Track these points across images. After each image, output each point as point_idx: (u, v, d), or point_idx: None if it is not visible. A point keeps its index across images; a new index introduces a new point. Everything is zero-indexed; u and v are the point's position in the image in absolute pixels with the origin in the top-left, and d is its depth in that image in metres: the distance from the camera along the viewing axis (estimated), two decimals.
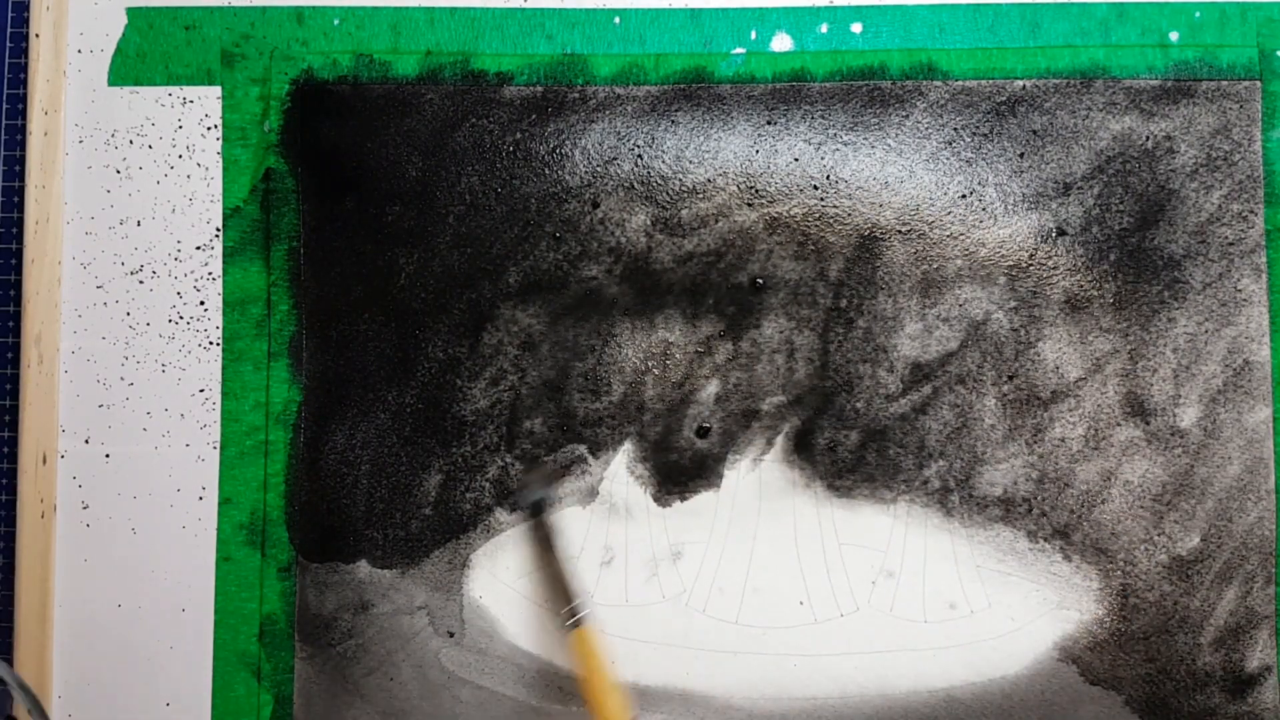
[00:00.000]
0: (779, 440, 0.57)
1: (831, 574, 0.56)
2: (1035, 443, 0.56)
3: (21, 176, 0.58)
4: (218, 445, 0.57)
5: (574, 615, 0.54)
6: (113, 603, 0.57)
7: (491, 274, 0.57)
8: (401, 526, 0.57)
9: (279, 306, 0.57)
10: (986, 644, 0.56)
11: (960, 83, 0.57)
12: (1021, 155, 0.57)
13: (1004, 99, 0.57)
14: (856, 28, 0.58)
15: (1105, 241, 0.57)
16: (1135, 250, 0.57)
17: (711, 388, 0.57)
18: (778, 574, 0.56)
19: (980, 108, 0.57)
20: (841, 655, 0.56)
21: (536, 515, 0.55)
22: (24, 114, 0.58)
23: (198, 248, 0.58)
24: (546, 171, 0.57)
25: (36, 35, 0.57)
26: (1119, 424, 0.56)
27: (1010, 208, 0.57)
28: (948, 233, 0.57)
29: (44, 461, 0.57)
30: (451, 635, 0.56)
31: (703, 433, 0.57)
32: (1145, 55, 0.57)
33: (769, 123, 0.57)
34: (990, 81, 0.57)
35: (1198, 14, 0.57)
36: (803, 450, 0.57)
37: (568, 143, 0.57)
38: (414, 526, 0.57)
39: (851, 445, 0.57)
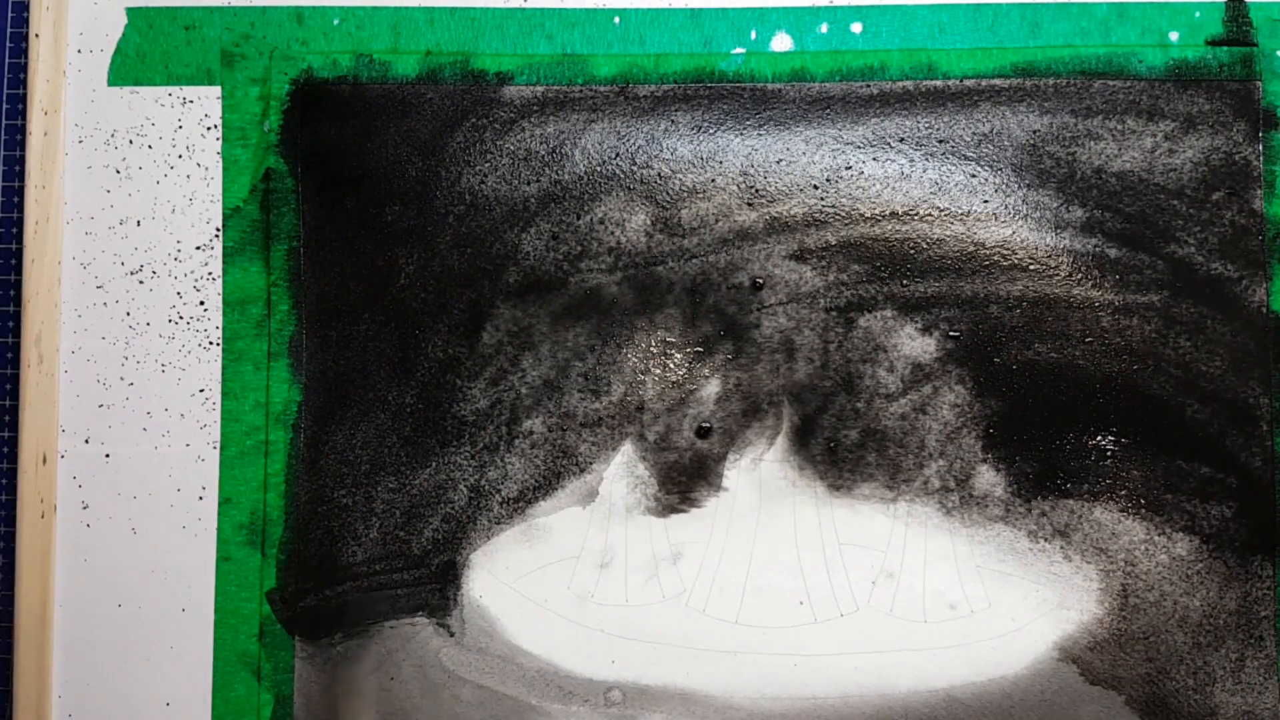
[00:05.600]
0: (779, 440, 0.57)
1: (831, 574, 0.56)
2: (1034, 442, 0.56)
3: (21, 176, 0.58)
4: (218, 445, 0.57)
5: None
6: (113, 603, 0.57)
7: (491, 274, 0.57)
8: (401, 527, 0.57)
9: (279, 306, 0.57)
10: (986, 644, 0.56)
11: (960, 83, 0.57)
12: (1022, 155, 0.57)
13: (1003, 99, 0.57)
14: (856, 28, 0.58)
15: (1105, 241, 0.57)
16: (1135, 250, 0.57)
17: (711, 388, 0.57)
18: (778, 574, 0.56)
19: (980, 108, 0.57)
20: (841, 655, 0.56)
21: None
22: (24, 114, 0.58)
23: (198, 248, 0.58)
24: (546, 171, 0.57)
25: (36, 35, 0.57)
26: (1119, 423, 0.56)
27: (1010, 207, 0.57)
28: (948, 232, 0.57)
29: (44, 461, 0.57)
30: (451, 635, 0.56)
31: (703, 433, 0.57)
32: (1145, 55, 0.57)
33: (769, 122, 0.57)
34: (990, 81, 0.57)
35: (1198, 14, 0.57)
36: (803, 450, 0.57)
37: (568, 143, 0.57)
38: (413, 527, 0.57)
39: (851, 445, 0.57)
